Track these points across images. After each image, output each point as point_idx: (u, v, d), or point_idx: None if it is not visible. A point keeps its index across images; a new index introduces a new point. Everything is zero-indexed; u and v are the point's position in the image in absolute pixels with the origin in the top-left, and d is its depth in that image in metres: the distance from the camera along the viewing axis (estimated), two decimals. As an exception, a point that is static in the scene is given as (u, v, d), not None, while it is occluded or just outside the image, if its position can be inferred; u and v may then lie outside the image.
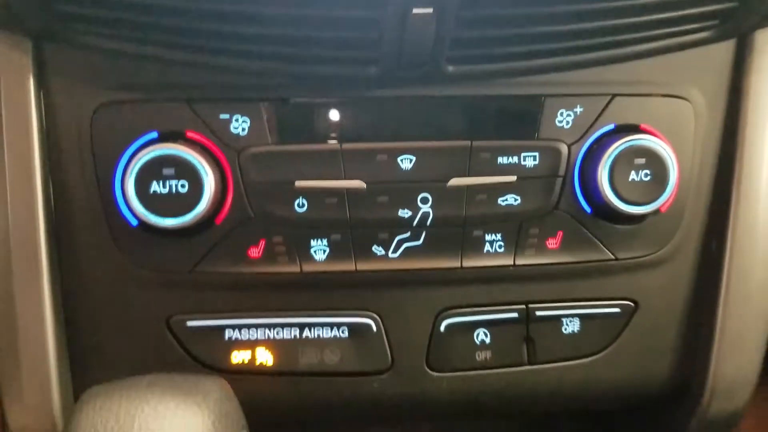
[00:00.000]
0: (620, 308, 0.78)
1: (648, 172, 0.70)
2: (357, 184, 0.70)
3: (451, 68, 0.68)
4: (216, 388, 0.55)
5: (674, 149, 0.72)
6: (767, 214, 0.77)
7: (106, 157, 0.68)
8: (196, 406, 0.50)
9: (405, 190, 0.71)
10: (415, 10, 0.61)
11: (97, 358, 0.73)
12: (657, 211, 0.73)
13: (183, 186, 0.66)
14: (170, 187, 0.66)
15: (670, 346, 0.80)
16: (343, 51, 0.66)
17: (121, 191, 0.67)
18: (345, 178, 0.70)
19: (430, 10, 0.61)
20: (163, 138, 0.68)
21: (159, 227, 0.67)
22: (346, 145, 0.70)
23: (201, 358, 0.73)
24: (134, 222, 0.68)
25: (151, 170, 0.65)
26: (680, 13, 0.68)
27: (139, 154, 0.65)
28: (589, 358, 0.78)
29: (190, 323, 0.73)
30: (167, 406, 0.49)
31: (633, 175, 0.70)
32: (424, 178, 0.71)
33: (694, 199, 0.77)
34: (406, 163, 0.71)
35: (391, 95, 0.70)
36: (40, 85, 0.68)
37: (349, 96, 0.70)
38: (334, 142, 0.70)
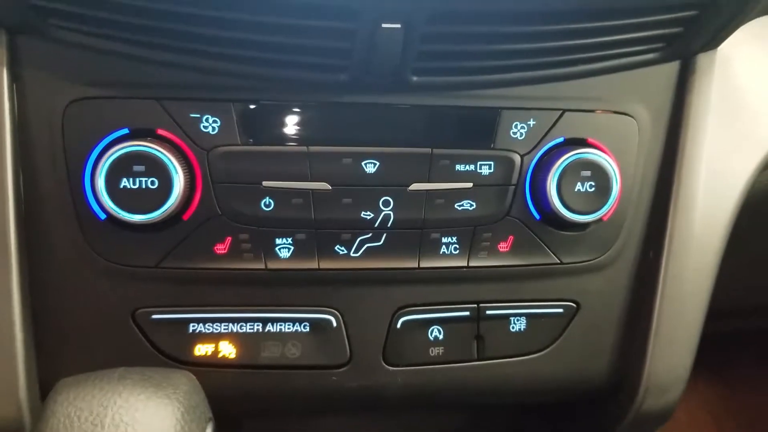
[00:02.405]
0: (563, 309, 0.82)
1: (592, 183, 0.74)
2: (322, 185, 0.72)
3: (415, 79, 0.70)
4: (185, 381, 0.57)
5: (618, 163, 0.76)
6: (702, 225, 0.82)
7: (77, 151, 0.69)
8: (166, 398, 0.52)
9: (368, 192, 0.73)
10: (385, 25, 0.63)
11: (63, 348, 0.73)
12: (600, 220, 0.77)
13: (153, 183, 0.67)
14: (140, 183, 0.67)
15: (608, 345, 0.85)
16: (314, 58, 0.68)
17: (90, 186, 0.68)
18: (311, 180, 0.72)
19: (398, 26, 0.64)
20: (134, 135, 0.69)
21: (127, 222, 0.68)
22: (313, 148, 0.72)
23: (165, 350, 0.74)
24: (102, 216, 0.69)
25: (122, 166, 0.66)
26: (629, 36, 0.72)
27: (110, 150, 0.66)
28: (534, 355, 0.83)
29: (155, 316, 0.74)
30: (138, 398, 0.51)
31: (579, 186, 0.74)
32: (386, 182, 0.74)
33: (634, 210, 0.81)
34: (369, 167, 0.73)
35: (357, 101, 0.73)
36: (14, 78, 0.68)
37: (317, 100, 0.72)
38: (301, 144, 0.72)
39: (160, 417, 0.51)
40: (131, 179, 0.67)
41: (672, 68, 0.80)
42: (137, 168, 0.67)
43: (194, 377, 0.61)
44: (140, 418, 0.50)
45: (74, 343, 0.74)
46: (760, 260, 1.34)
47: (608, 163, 0.75)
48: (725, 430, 1.67)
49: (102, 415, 0.49)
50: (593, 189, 0.75)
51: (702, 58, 0.81)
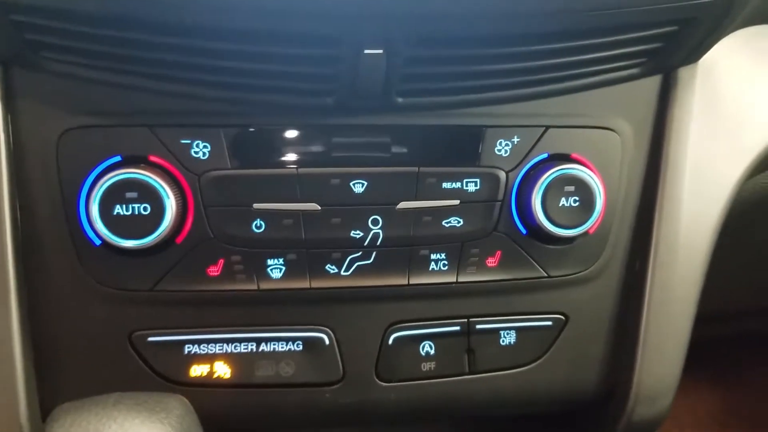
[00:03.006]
0: (552, 321, 0.83)
1: (577, 198, 0.76)
2: (312, 206, 0.74)
3: (400, 100, 0.72)
4: (177, 405, 0.58)
5: (602, 177, 0.77)
6: (687, 234, 0.83)
7: (72, 179, 0.70)
8: (159, 422, 0.54)
9: (357, 212, 0.75)
10: (367, 51, 0.65)
11: (63, 372, 0.74)
12: (585, 234, 0.78)
13: (145, 209, 0.68)
14: (133, 209, 0.68)
15: (597, 356, 0.86)
16: (300, 83, 0.69)
17: (85, 213, 0.70)
18: (300, 201, 0.73)
19: (380, 51, 0.65)
20: (126, 162, 0.70)
21: (121, 248, 0.69)
22: (302, 170, 0.73)
23: (161, 372, 0.75)
24: (98, 242, 0.70)
25: (115, 193, 0.68)
26: (610, 53, 0.73)
27: (104, 178, 0.68)
28: (525, 367, 0.83)
29: (151, 338, 0.75)
30: (132, 423, 0.53)
31: (563, 201, 0.75)
32: (374, 202, 0.75)
33: (619, 222, 0.82)
34: (358, 187, 0.74)
35: (344, 123, 0.74)
36: (8, 109, 0.69)
37: (305, 123, 0.73)
38: (290, 166, 0.73)
39: None
40: (124, 206, 0.68)
41: (653, 82, 0.82)
42: (130, 195, 0.68)
43: (187, 401, 0.62)
44: None
45: (73, 367, 0.75)
46: (758, 264, 1.35)
47: (591, 178, 0.76)
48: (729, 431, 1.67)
49: None
50: (577, 204, 0.76)
51: (683, 72, 0.82)
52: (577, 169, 0.76)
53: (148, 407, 0.55)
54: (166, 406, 0.57)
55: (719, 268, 0.88)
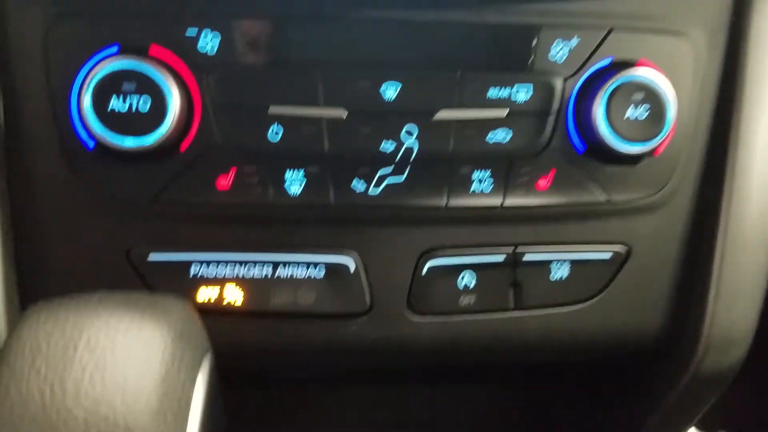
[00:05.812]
0: (611, 253, 0.75)
1: (647, 106, 0.67)
2: (337, 112, 0.66)
3: None
4: (178, 307, 0.49)
5: (673, 86, 0.68)
6: (765, 159, 0.74)
7: (62, 72, 0.63)
8: (153, 321, 0.44)
9: (388, 121, 0.67)
10: None
11: (50, 292, 0.67)
12: (652, 153, 0.70)
13: (145, 102, 0.61)
14: (130, 103, 0.60)
15: (663, 296, 0.78)
16: None
17: (77, 110, 0.62)
18: (323, 105, 0.65)
19: None
20: (124, 52, 0.62)
21: (118, 149, 0.61)
22: (326, 69, 0.65)
23: None
24: (91, 144, 0.63)
25: (111, 84, 0.60)
26: None
27: (98, 67, 0.60)
28: (578, 306, 0.75)
29: (152, 257, 0.68)
30: (121, 320, 0.43)
31: (630, 112, 0.67)
32: (409, 109, 0.67)
33: (690, 142, 0.73)
34: (390, 91, 0.66)
35: (377, 16, 0.66)
36: None
37: (330, 15, 0.65)
38: (312, 64, 0.65)
39: (144, 340, 0.43)
40: (121, 98, 0.60)
41: None
42: (127, 86, 0.60)
43: (190, 306, 0.53)
44: (122, 340, 0.42)
45: (61, 287, 0.66)
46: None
47: (663, 85, 0.67)
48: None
49: (76, 337, 0.41)
50: (647, 114, 0.67)
51: None
52: (647, 75, 0.67)
53: (140, 306, 0.45)
54: (162, 306, 0.47)
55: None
